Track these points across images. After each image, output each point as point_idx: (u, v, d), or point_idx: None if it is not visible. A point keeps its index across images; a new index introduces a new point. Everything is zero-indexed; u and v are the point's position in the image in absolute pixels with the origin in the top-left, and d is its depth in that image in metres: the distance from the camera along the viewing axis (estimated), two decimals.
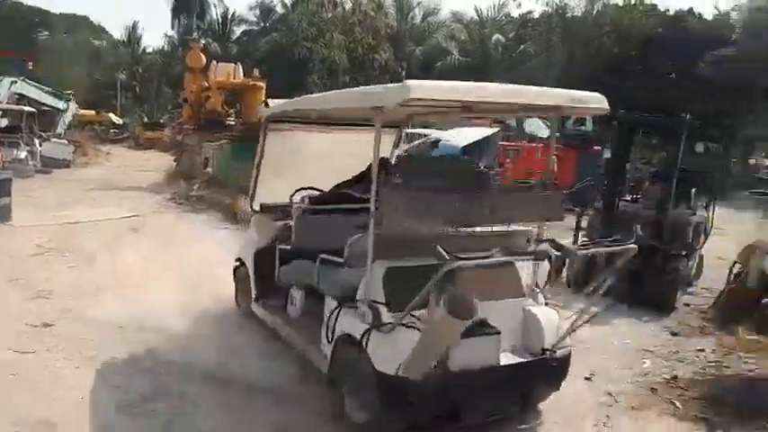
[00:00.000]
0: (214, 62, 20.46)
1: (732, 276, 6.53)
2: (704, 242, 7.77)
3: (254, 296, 5.43)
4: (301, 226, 4.90)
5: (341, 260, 4.17)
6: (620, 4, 29.42)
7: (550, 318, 4.13)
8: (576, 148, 15.53)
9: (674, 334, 6.24)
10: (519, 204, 4.09)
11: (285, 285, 5.01)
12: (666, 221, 7.21)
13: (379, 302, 3.73)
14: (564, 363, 4.11)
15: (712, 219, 8.01)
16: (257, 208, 5.62)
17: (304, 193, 5.28)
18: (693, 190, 7.84)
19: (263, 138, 5.43)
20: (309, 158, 5.53)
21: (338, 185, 5.20)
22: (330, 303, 4.19)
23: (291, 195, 5.26)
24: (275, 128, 5.43)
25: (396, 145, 6.06)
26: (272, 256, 5.10)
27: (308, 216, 4.94)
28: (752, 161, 27.68)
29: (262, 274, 5.31)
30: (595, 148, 16.36)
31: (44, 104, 21.97)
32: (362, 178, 4.85)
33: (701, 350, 5.86)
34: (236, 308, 5.91)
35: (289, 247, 4.95)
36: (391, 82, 5.02)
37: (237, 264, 5.84)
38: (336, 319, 4.04)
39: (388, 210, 3.49)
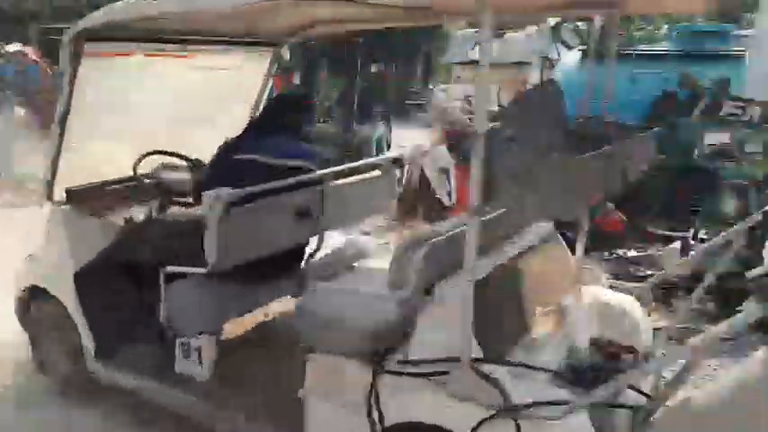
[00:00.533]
0: None
1: (404, 178, 7.80)
2: (387, 153, 9.07)
3: (92, 350, 3.14)
4: (230, 232, 2.46)
5: (375, 292, 2.20)
6: None
7: (634, 309, 2.67)
8: (279, 78, 15.98)
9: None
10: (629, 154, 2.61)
11: (183, 333, 2.89)
12: (354, 138, 8.24)
13: (481, 360, 1.96)
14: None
15: (390, 133, 9.39)
16: (62, 197, 3.16)
17: (158, 160, 3.22)
18: (373, 110, 9.09)
19: (72, 70, 2.85)
20: (151, 101, 3.36)
21: (221, 147, 2.89)
22: (337, 364, 2.25)
23: (135, 165, 3.16)
24: (93, 51, 2.91)
25: (271, 74, 3.96)
26: (117, 281, 3.08)
27: (236, 214, 2.47)
28: (430, 87, 32.10)
29: (103, 314, 3.13)
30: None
31: None
32: (255, 129, 2.98)
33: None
34: (38, 371, 3.52)
35: (203, 270, 2.49)
36: None
37: (25, 296, 3.39)
38: (378, 396, 2.14)
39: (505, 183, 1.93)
